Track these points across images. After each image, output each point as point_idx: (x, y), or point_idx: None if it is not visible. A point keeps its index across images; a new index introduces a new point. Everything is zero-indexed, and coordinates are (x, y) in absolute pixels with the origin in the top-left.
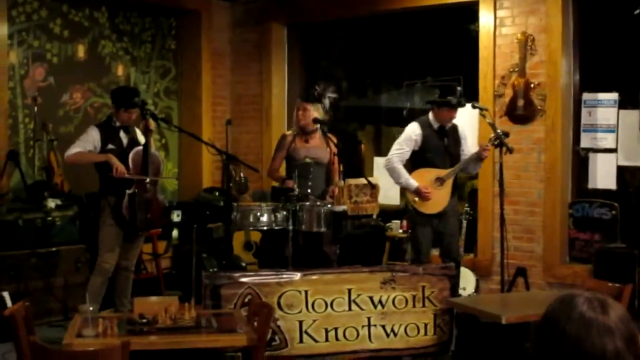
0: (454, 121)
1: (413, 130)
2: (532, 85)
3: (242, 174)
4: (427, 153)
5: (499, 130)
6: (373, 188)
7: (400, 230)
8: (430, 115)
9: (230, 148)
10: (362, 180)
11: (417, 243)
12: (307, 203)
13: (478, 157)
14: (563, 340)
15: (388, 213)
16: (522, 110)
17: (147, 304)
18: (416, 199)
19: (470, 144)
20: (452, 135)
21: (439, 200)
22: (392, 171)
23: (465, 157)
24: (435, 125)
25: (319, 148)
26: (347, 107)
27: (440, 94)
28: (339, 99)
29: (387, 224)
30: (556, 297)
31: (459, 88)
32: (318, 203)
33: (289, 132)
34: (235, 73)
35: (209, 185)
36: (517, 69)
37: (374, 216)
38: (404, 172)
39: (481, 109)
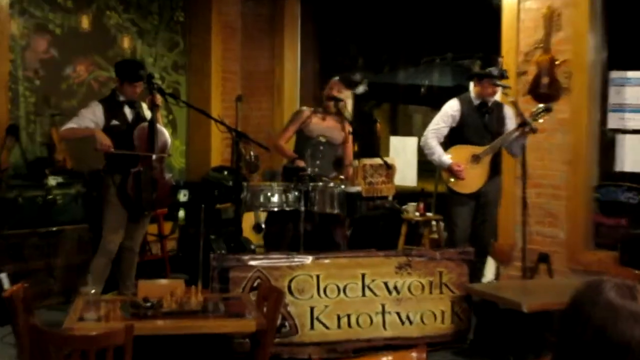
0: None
1: (451, 107)
2: (557, 63)
3: (252, 153)
4: (464, 130)
5: (540, 106)
6: (389, 168)
7: (417, 214)
8: (471, 90)
9: (240, 125)
10: (378, 160)
11: (451, 224)
12: (320, 183)
13: (519, 135)
14: (587, 326)
15: (404, 195)
16: (546, 88)
17: (152, 287)
18: (452, 179)
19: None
20: (495, 113)
21: (474, 179)
22: (426, 147)
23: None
24: (476, 102)
25: (335, 129)
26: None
27: (481, 66)
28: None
29: (404, 207)
30: (583, 282)
31: (500, 59)
32: (331, 184)
33: (306, 108)
34: (246, 48)
35: (218, 164)
36: (541, 45)
37: (390, 198)
38: (438, 148)
39: (503, 87)
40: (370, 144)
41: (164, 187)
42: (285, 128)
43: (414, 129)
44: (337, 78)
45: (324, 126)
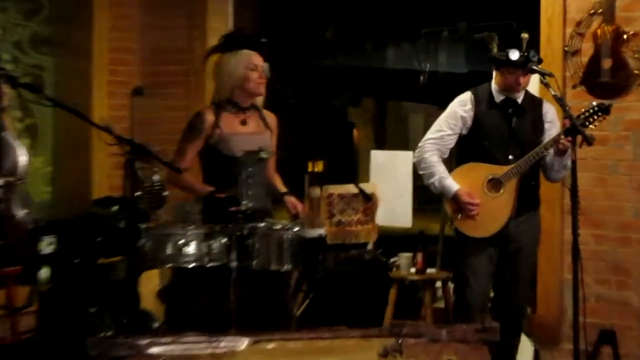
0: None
1: (461, 104)
2: (625, 37)
3: (156, 177)
4: (481, 140)
5: (594, 104)
6: (369, 201)
7: (413, 270)
8: (493, 81)
9: (139, 134)
10: (351, 188)
11: (463, 285)
12: (262, 224)
13: (563, 148)
14: None
15: (394, 241)
16: (608, 76)
17: None
18: (460, 215)
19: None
20: (528, 114)
21: (494, 214)
22: (421, 164)
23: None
24: (499, 97)
25: (263, 134)
26: (332, 69)
27: (499, 45)
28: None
29: (393, 260)
30: None
31: (525, 36)
32: (279, 225)
33: (209, 108)
34: (150, 14)
35: (103, 195)
36: (601, 11)
37: (371, 246)
38: (439, 167)
39: (543, 74)
40: (342, 162)
41: (14, 231)
42: (181, 147)
43: (410, 139)
44: (248, 51)
45: (247, 132)
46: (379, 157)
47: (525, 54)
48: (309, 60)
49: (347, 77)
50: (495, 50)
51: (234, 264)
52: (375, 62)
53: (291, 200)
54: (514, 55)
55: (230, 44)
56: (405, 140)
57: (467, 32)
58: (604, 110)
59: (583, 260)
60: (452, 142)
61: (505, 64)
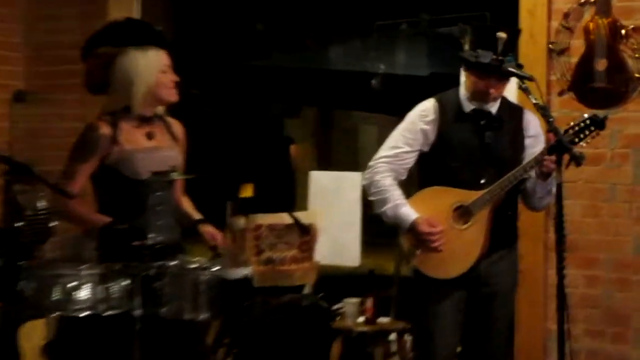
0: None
1: (423, 114)
2: (623, 32)
3: (41, 204)
4: (447, 158)
5: (586, 116)
6: (306, 234)
7: (361, 319)
8: (462, 86)
9: (21, 149)
10: (284, 218)
11: (425, 339)
12: (173, 262)
13: (548, 169)
14: None
15: (339, 283)
16: (603, 80)
17: None
18: (419, 251)
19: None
20: (507, 126)
21: (461, 250)
22: (372, 188)
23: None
24: (469, 106)
25: (170, 149)
26: (264, 70)
27: (471, 45)
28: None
29: (336, 306)
30: None
31: (502, 35)
32: (194, 263)
33: (105, 119)
34: (37, 2)
35: None
36: (593, 0)
37: (308, 289)
38: (393, 192)
39: (521, 78)
40: (276, 186)
41: None
42: (70, 168)
43: (360, 156)
44: (159, 49)
45: (154, 148)
46: (320, 179)
47: (500, 57)
48: (236, 59)
49: (284, 81)
50: (467, 47)
51: (138, 311)
52: (317, 63)
53: (207, 229)
54: (486, 58)
55: (121, 36)
56: (354, 159)
57: (430, 25)
58: (598, 124)
59: (571, 308)
60: (410, 161)
61: (474, 67)
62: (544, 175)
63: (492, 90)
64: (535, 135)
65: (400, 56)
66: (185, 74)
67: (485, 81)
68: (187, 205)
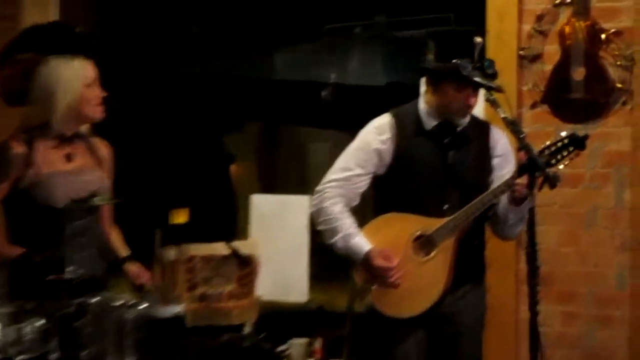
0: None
1: (377, 132)
2: (604, 37)
3: None
4: (406, 181)
5: (563, 134)
6: (246, 265)
7: None
8: (422, 99)
9: None
10: (221, 248)
11: None
12: (95, 299)
13: (520, 194)
14: None
15: (283, 321)
16: (580, 90)
17: None
18: (374, 286)
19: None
20: (472, 145)
21: (422, 285)
22: (321, 215)
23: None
24: (430, 122)
25: (92, 172)
26: (200, 80)
27: (436, 51)
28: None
29: (281, 347)
30: None
31: (479, 40)
32: (119, 301)
33: (16, 137)
34: None
35: None
36: (570, 0)
37: (248, 328)
38: (344, 220)
39: (488, 89)
40: (213, 211)
41: None
42: None
43: (309, 178)
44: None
45: (74, 171)
46: (263, 204)
47: (479, 64)
48: (167, 67)
49: (223, 92)
50: (431, 55)
51: (54, 355)
52: (260, 71)
53: (133, 269)
54: (466, 67)
55: (44, 41)
56: (302, 180)
57: (387, 28)
58: (578, 144)
59: (546, 348)
60: (363, 184)
61: (451, 78)
62: (517, 201)
63: (472, 101)
64: (503, 155)
65: (354, 64)
66: (111, 86)
67: (463, 94)
68: (115, 237)
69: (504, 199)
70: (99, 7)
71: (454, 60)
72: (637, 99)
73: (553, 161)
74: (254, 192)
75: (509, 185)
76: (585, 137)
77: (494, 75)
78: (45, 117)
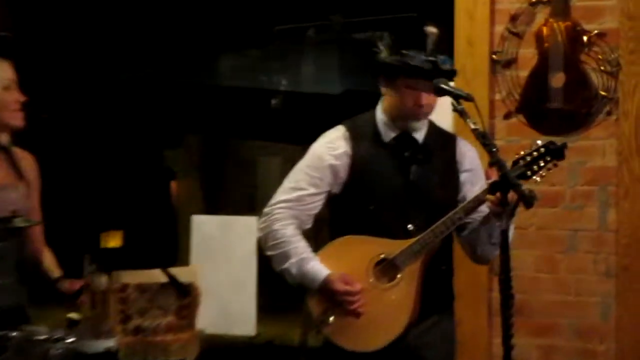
0: (439, 120)
1: (330, 146)
2: (585, 39)
3: None
4: (364, 200)
5: (539, 142)
6: (185, 295)
7: None
8: (379, 108)
9: None
10: (158, 276)
11: None
12: (16, 332)
13: (494, 213)
14: None
15: (229, 356)
16: (560, 99)
17: None
18: (331, 318)
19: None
20: (436, 159)
21: (384, 316)
22: (270, 243)
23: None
24: (389, 134)
25: (13, 189)
26: (136, 88)
27: (392, 47)
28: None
29: None
30: None
31: (432, 30)
32: (44, 334)
33: None
34: None
35: None
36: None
37: None
38: (296, 244)
39: (456, 97)
40: (151, 233)
41: None
42: None
43: (258, 196)
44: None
45: None
46: (205, 225)
47: (432, 58)
48: (99, 73)
49: (161, 101)
50: (386, 51)
51: None
52: (204, 78)
53: (66, 284)
54: (416, 58)
55: None
56: (250, 199)
57: (343, 30)
58: (556, 153)
59: None
60: (316, 205)
61: (401, 74)
62: (489, 221)
63: (423, 100)
64: (471, 169)
65: (307, 69)
66: (32, 93)
67: (415, 92)
68: (47, 259)
69: (477, 219)
70: (16, 5)
71: (402, 51)
72: (622, 108)
73: (529, 173)
74: (195, 213)
75: (479, 201)
76: (564, 145)
77: (451, 73)
78: None
